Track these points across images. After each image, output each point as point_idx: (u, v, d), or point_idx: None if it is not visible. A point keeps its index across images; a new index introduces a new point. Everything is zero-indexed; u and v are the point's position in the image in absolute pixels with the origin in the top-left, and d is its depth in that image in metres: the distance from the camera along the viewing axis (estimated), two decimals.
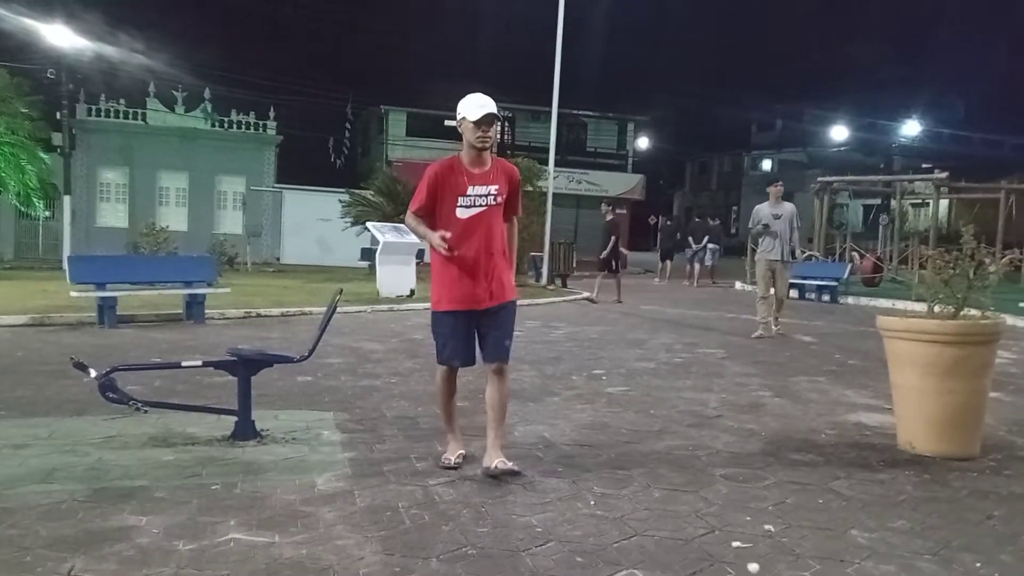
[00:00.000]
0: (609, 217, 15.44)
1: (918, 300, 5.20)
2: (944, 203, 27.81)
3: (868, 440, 5.00)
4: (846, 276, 17.80)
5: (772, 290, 10.05)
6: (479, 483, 3.87)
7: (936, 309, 4.79)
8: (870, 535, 3.34)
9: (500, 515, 3.44)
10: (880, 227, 28.23)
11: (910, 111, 40.39)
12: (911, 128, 40.50)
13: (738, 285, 20.14)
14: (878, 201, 35.33)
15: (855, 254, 22.27)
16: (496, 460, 3.91)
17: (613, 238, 15.05)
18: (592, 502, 3.65)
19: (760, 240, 10.24)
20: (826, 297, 16.96)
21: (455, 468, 4.04)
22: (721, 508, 3.61)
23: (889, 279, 20.81)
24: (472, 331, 4.00)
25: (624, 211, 34.28)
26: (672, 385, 6.69)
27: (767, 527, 3.38)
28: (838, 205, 34.65)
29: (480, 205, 3.93)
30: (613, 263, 15.18)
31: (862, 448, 4.79)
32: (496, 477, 3.86)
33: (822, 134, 45.36)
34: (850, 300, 16.93)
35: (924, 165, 34.55)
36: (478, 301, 3.95)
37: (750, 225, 10.49)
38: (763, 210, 10.20)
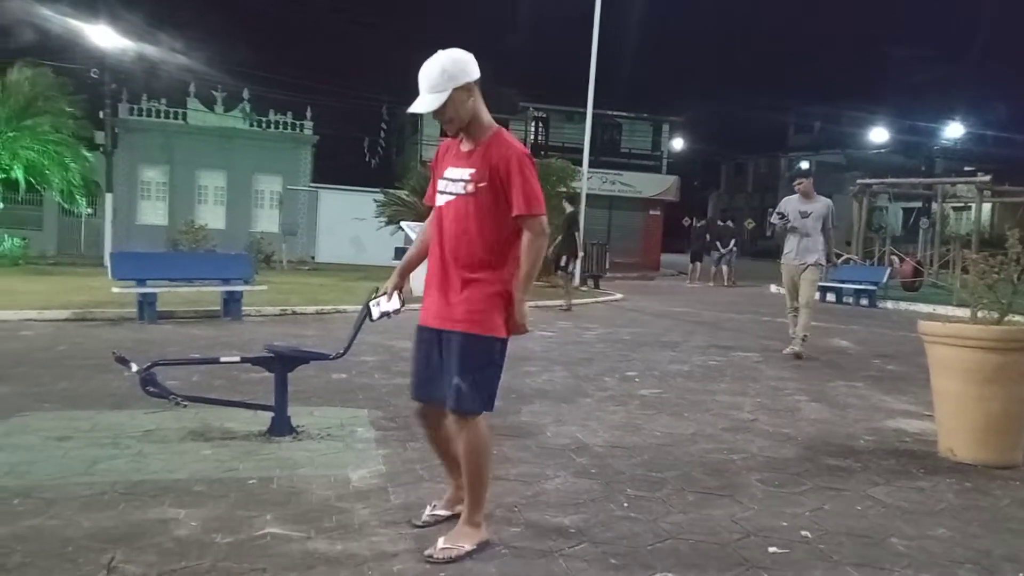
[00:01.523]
0: (569, 209, 14.56)
1: (960, 305, 5.10)
2: (987, 207, 27.17)
3: (908, 447, 4.91)
4: (885, 280, 17.50)
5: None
6: (512, 483, 3.87)
7: (979, 314, 4.69)
8: (909, 543, 3.28)
9: (533, 515, 3.44)
10: (920, 231, 27.70)
11: (952, 112, 39.62)
12: (953, 130, 39.69)
13: (772, 288, 19.93)
14: (919, 204, 34.65)
15: (895, 258, 21.90)
16: (437, 543, 3.01)
17: (566, 234, 13.99)
18: (625, 504, 3.63)
19: (785, 240, 8.77)
20: (864, 301, 16.70)
21: (420, 526, 3.23)
22: (757, 513, 3.57)
23: (930, 284, 20.43)
24: (431, 355, 3.14)
25: (658, 212, 34.13)
26: (706, 388, 6.63)
27: (804, 533, 3.34)
28: (877, 208, 34.09)
29: (450, 193, 3.07)
30: (565, 261, 13.86)
31: (901, 455, 4.70)
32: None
33: (861, 136, 44.63)
34: (889, 304, 16.65)
35: (966, 168, 33.85)
36: (426, 316, 3.18)
37: (772, 220, 9.00)
38: (788, 204, 8.71)
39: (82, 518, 3.24)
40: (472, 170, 3.01)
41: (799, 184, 8.70)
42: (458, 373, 2.99)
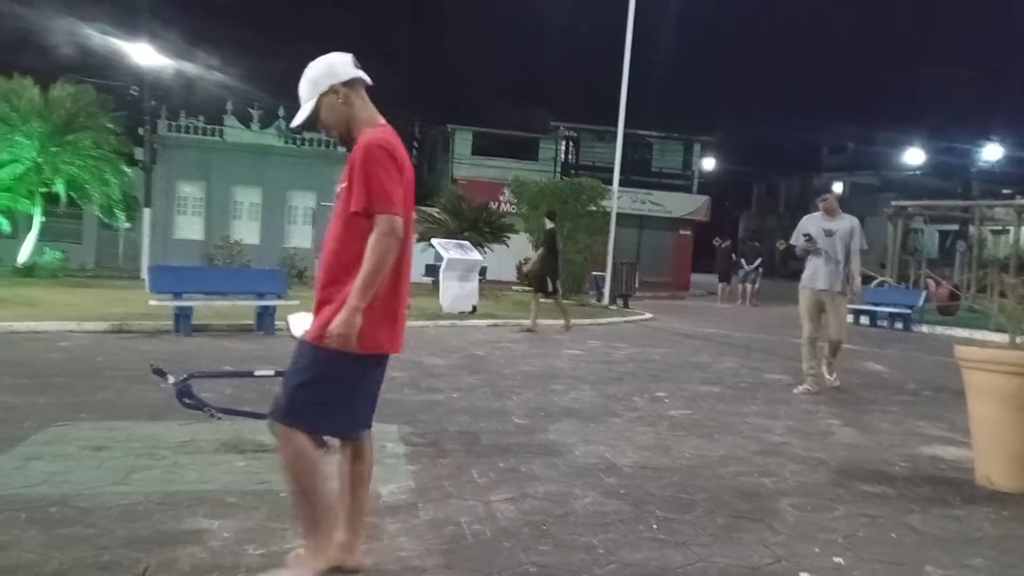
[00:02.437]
0: (549, 226, 12.95)
1: (998, 330, 5.01)
2: None
3: (943, 474, 4.82)
4: (921, 304, 17.24)
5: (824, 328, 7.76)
6: (540, 501, 3.87)
7: (1018, 340, 4.61)
8: (945, 572, 3.22)
9: (561, 534, 3.43)
10: (957, 254, 27.26)
11: (990, 134, 39.08)
12: (991, 152, 39.11)
13: None
14: (955, 227, 34.16)
15: (930, 281, 21.57)
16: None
17: (542, 250, 12.69)
18: (654, 525, 3.61)
19: (806, 261, 7.81)
20: (899, 325, 16.46)
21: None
22: (788, 538, 3.53)
23: (966, 308, 20.06)
24: None
25: (689, 232, 33.97)
26: (737, 410, 6.57)
27: (837, 559, 3.29)
28: (913, 230, 33.60)
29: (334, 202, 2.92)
30: (549, 282, 12.51)
31: (937, 482, 4.62)
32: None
33: (896, 157, 44.16)
34: (924, 328, 16.39)
35: (1005, 191, 33.30)
36: None
37: (792, 240, 8.08)
38: (810, 222, 7.85)
39: (117, 527, 3.29)
40: (344, 172, 2.80)
41: (824, 200, 7.87)
42: (285, 378, 2.80)
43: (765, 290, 24.05)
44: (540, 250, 12.89)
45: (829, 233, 7.65)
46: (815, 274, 7.65)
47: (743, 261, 23.51)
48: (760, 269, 23.50)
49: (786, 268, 40.59)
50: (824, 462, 4.96)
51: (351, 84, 2.84)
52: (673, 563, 3.17)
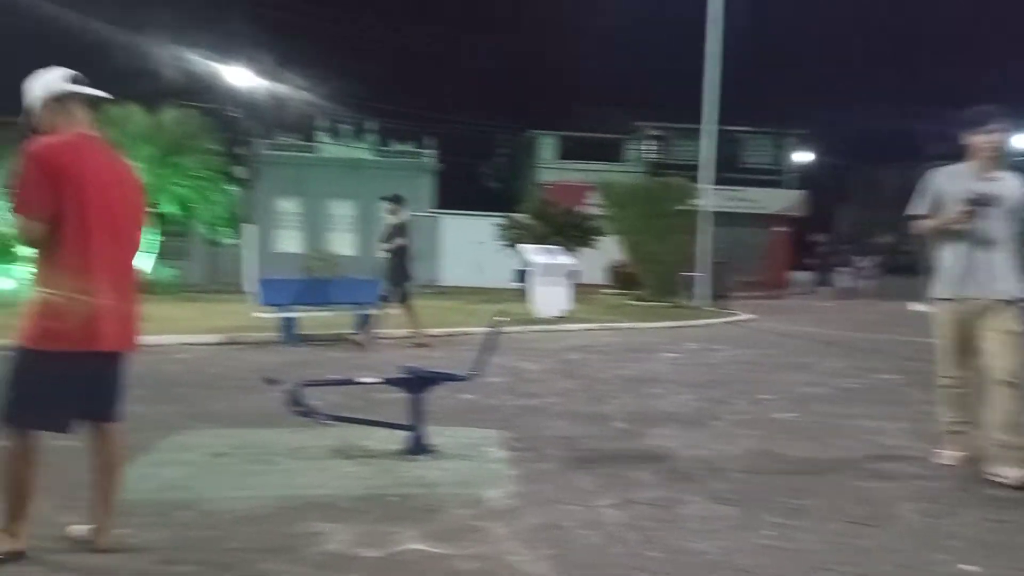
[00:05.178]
0: (394, 220, 10.56)
1: None
2: None
3: None
4: None
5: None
6: (645, 506, 3.83)
7: None
8: None
9: (670, 540, 3.39)
10: None
11: None
12: None
13: (910, 306, 18.83)
14: None
15: None
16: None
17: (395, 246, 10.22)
18: (766, 532, 3.52)
19: (938, 249, 4.58)
20: None
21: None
22: (911, 544, 3.38)
23: None
24: None
25: (785, 228, 32.97)
26: (846, 412, 6.34)
27: (965, 567, 3.13)
28: None
29: None
30: (400, 287, 10.13)
31: None
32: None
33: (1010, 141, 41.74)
34: None
35: None
36: None
37: (911, 209, 4.63)
38: (951, 181, 4.52)
39: (238, 529, 3.45)
40: None
41: (993, 136, 4.44)
42: None
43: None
44: (392, 246, 10.25)
45: (986, 201, 4.33)
46: (963, 273, 4.43)
47: (854, 259, 23.34)
48: (871, 265, 23.34)
49: (894, 261, 38.89)
50: (945, 465, 4.71)
51: (61, 98, 3.13)
52: (788, 571, 3.08)
